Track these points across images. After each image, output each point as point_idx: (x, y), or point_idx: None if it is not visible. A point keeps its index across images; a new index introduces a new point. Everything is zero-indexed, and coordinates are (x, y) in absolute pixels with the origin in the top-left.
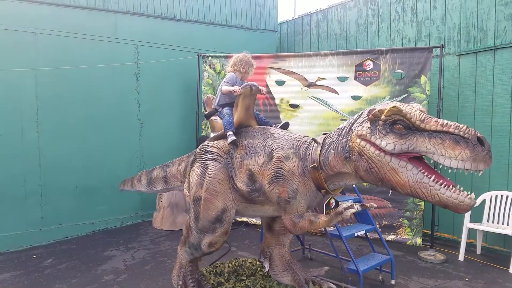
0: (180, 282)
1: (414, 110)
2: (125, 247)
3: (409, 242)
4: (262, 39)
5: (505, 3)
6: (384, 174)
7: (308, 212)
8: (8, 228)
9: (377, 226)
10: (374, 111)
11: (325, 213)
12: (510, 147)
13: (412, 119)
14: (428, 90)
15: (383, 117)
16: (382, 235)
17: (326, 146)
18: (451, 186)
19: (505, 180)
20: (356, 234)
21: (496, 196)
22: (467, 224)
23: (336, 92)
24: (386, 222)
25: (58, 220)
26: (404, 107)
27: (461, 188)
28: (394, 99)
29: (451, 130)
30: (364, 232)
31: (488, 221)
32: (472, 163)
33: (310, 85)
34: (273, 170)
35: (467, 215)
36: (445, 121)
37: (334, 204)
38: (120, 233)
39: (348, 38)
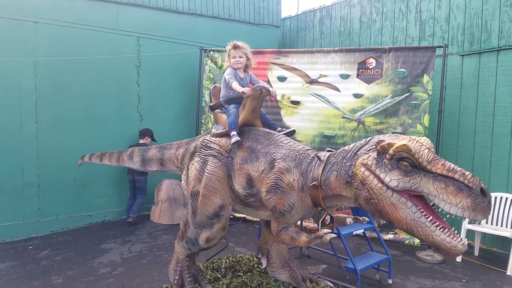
0: (177, 277)
1: (423, 148)
2: (122, 240)
3: (407, 241)
4: (265, 34)
5: (510, 4)
6: (383, 207)
7: (294, 227)
8: (5, 219)
9: (376, 225)
10: (383, 144)
11: (320, 229)
12: (511, 149)
13: (420, 159)
14: (430, 90)
15: (391, 151)
16: (381, 234)
17: (329, 166)
18: (446, 230)
19: (505, 182)
20: (354, 233)
21: (496, 197)
22: (465, 225)
23: (338, 89)
24: (384, 221)
25: (55, 212)
26: (413, 145)
27: (455, 232)
28: (396, 97)
29: (456, 176)
30: (362, 230)
31: (486, 222)
32: (471, 212)
33: (312, 81)
34: (272, 180)
35: None
36: (452, 166)
37: (329, 220)
38: (117, 226)
39: (351, 35)
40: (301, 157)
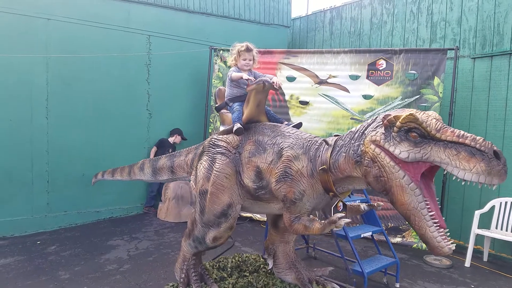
0: (183, 275)
1: (430, 118)
2: (129, 237)
3: (415, 245)
4: (275, 34)
5: None
6: (391, 186)
7: (308, 216)
8: (14, 213)
9: (384, 228)
10: (389, 117)
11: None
12: None
13: (428, 128)
14: (441, 92)
15: (398, 124)
16: (388, 237)
17: (337, 149)
18: (441, 229)
19: None
20: (362, 235)
21: (506, 202)
22: (474, 230)
23: (347, 90)
24: (392, 224)
25: (63, 207)
26: (420, 115)
27: (448, 234)
28: (406, 99)
29: (467, 141)
30: (370, 233)
31: (496, 227)
32: (487, 176)
33: (321, 82)
34: (281, 169)
35: (475, 221)
36: (462, 132)
37: (342, 207)
38: (124, 222)
39: (362, 36)
40: (309, 144)
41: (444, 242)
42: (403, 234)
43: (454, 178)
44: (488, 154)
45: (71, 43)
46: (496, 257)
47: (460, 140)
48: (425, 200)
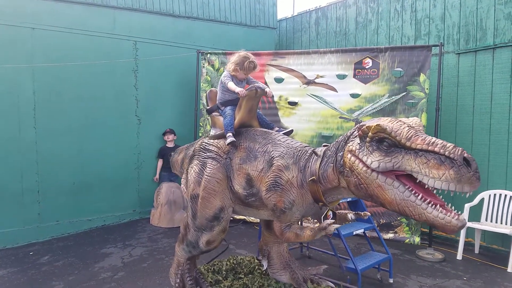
0: (178, 280)
1: (403, 127)
2: (123, 244)
3: (407, 240)
4: (261, 36)
5: (504, 2)
6: (372, 191)
7: (297, 224)
8: (5, 225)
9: (376, 225)
10: (363, 127)
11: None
12: (509, 146)
13: (397, 138)
14: (427, 89)
15: (370, 134)
16: (381, 234)
17: (326, 159)
18: (438, 206)
19: (503, 179)
20: (354, 233)
21: (495, 195)
22: None
23: (335, 90)
24: (384, 221)
25: (55, 217)
26: (390, 124)
27: (452, 208)
28: (393, 97)
29: (436, 149)
30: (362, 230)
31: (486, 220)
32: (457, 184)
33: (309, 82)
34: (271, 178)
35: (466, 214)
36: (432, 139)
37: (331, 216)
38: (117, 230)
39: (347, 36)
40: (299, 154)
41: (448, 216)
42: (395, 230)
43: (426, 186)
44: (457, 161)
45: (57, 51)
46: (487, 249)
47: (430, 148)
48: (407, 188)
